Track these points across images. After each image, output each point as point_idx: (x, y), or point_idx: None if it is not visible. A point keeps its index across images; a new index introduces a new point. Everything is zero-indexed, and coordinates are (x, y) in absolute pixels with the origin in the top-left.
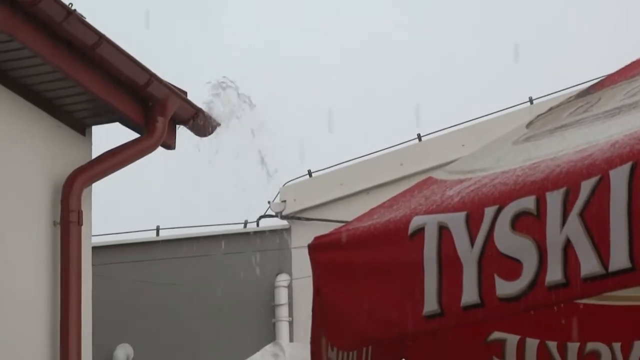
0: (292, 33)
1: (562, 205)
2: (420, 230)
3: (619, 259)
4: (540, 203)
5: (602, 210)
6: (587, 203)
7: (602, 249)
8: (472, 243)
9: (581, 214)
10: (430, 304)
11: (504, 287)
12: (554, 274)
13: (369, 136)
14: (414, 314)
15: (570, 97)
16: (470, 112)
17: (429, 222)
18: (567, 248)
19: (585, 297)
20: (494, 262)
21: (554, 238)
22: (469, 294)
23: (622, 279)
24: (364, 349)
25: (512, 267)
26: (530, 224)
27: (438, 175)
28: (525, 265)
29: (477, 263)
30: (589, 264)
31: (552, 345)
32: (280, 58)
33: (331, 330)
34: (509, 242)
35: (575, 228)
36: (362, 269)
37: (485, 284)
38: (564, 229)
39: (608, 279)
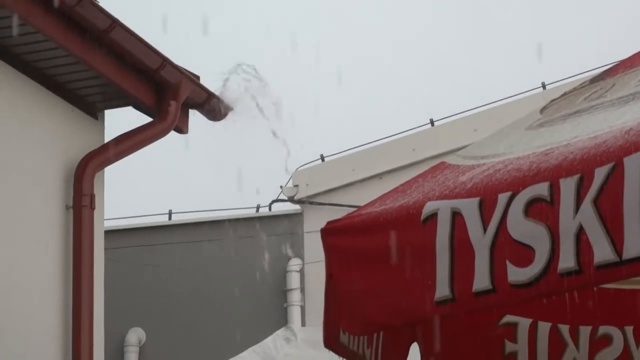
0: (303, 18)
1: (576, 192)
2: (433, 216)
3: (633, 246)
4: (554, 190)
5: (615, 198)
6: (601, 190)
7: (615, 237)
8: (485, 229)
9: (595, 201)
10: (442, 290)
11: (516, 274)
12: (567, 260)
13: (381, 120)
14: (426, 300)
15: (584, 82)
16: (484, 97)
17: (442, 208)
18: (580, 235)
19: (598, 284)
20: (506, 248)
21: (567, 225)
22: (481, 280)
23: (636, 266)
24: (375, 334)
25: (524, 254)
26: (543, 210)
27: (451, 160)
28: (538, 251)
29: (489, 249)
30: (602, 252)
31: (564, 328)
32: (293, 45)
33: (343, 315)
34: (521, 228)
35: (588, 215)
36: (375, 254)
37: (497, 270)
38: (577, 215)
39: (622, 267)
